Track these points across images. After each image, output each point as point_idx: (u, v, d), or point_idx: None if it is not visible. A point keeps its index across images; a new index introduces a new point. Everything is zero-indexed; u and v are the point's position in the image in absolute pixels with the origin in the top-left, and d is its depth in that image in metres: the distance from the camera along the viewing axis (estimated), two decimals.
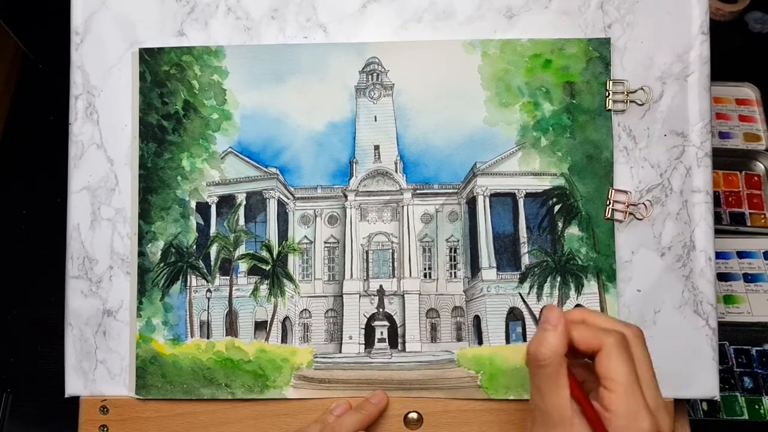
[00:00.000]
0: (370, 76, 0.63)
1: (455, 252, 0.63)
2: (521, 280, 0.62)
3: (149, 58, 0.63)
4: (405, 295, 0.63)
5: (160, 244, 0.63)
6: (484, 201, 0.63)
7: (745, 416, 0.79)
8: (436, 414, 0.61)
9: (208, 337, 0.62)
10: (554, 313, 0.46)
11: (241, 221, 0.64)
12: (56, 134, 0.69)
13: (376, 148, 0.63)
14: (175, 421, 0.62)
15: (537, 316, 0.61)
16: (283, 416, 0.62)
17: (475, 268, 0.63)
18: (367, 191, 0.64)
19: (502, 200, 0.63)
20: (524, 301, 0.61)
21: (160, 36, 0.64)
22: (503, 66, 0.62)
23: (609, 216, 0.61)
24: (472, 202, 0.63)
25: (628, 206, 0.61)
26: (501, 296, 0.62)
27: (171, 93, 0.63)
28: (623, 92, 0.61)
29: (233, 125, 0.63)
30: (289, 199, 0.64)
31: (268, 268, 0.63)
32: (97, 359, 0.62)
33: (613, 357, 0.45)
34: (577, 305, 0.61)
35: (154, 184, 0.63)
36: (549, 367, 0.45)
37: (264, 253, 0.63)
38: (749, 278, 0.85)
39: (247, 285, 0.63)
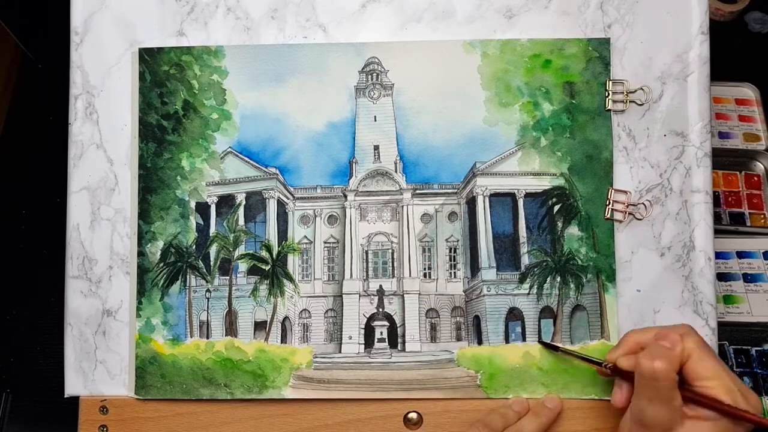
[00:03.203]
0: (369, 76, 0.63)
1: (455, 252, 0.63)
2: (521, 280, 0.62)
3: (149, 58, 0.63)
4: (405, 295, 0.63)
5: (160, 244, 0.63)
6: (484, 201, 0.63)
7: None
8: (436, 414, 0.61)
9: (207, 337, 0.62)
10: (673, 335, 0.51)
11: (241, 221, 0.64)
12: (56, 134, 0.69)
13: (376, 148, 0.63)
14: (174, 421, 0.62)
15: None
16: (283, 416, 0.62)
17: (474, 268, 0.63)
18: (367, 191, 0.64)
19: (502, 200, 0.63)
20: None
21: (159, 36, 0.64)
22: (503, 66, 0.62)
23: (609, 216, 0.61)
24: (471, 202, 0.63)
25: (627, 206, 0.61)
26: (501, 296, 0.62)
27: (171, 93, 0.63)
28: (623, 92, 0.61)
29: (233, 125, 0.63)
30: (288, 199, 0.64)
31: (267, 268, 0.63)
32: (97, 359, 0.62)
33: (704, 357, 0.51)
34: (577, 306, 0.61)
35: (153, 184, 0.63)
36: (665, 382, 0.50)
37: (263, 253, 0.63)
38: (749, 278, 0.85)
39: (246, 285, 0.63)
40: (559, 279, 0.61)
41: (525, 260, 0.62)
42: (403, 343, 0.62)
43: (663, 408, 0.50)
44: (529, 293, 0.61)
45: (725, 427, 0.50)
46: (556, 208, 0.62)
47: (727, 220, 0.89)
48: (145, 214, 0.63)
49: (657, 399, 0.50)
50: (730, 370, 0.51)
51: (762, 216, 0.90)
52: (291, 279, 0.63)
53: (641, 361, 0.50)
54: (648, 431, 0.51)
